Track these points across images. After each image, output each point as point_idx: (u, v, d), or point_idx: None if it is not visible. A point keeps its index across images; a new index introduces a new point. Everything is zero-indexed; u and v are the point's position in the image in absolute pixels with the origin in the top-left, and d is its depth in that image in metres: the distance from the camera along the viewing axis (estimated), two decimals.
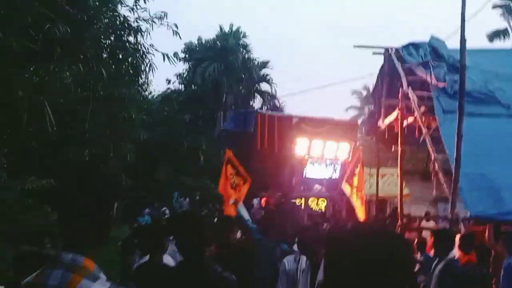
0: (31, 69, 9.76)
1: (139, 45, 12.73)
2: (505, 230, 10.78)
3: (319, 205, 16.84)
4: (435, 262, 8.45)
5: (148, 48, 12.88)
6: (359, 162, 16.08)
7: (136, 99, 15.04)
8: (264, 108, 36.97)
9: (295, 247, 7.70)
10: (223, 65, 36.70)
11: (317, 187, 18.44)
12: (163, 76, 32.74)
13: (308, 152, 18.66)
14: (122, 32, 12.27)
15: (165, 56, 13.14)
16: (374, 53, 17.36)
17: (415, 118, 15.12)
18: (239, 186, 14.92)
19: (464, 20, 11.08)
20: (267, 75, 39.40)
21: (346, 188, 16.05)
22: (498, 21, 34.14)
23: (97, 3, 10.73)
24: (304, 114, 19.52)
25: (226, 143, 18.09)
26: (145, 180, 24.42)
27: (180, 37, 13.52)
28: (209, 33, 40.09)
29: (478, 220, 11.19)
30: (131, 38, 12.77)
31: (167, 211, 22.47)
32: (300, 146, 18.42)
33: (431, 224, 18.27)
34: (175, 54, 35.05)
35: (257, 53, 39.48)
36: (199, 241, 4.11)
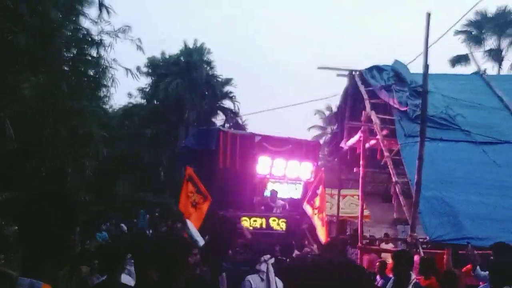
0: None
1: (102, 59, 12.53)
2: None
3: (280, 225, 16.59)
4: (391, 285, 8.41)
5: (110, 62, 12.69)
6: (321, 183, 16.09)
7: (96, 112, 14.78)
8: (227, 125, 36.85)
9: (263, 266, 7.52)
10: (187, 81, 36.53)
11: (279, 203, 18.25)
12: (124, 90, 32.43)
13: (270, 171, 18.44)
14: (85, 46, 12.06)
15: (128, 71, 12.99)
16: (338, 75, 17.50)
17: (377, 140, 15.23)
18: (199, 204, 14.81)
19: (427, 47, 11.25)
20: (230, 92, 39.40)
21: (307, 208, 15.99)
22: (460, 47, 34.94)
23: (60, 16, 10.52)
24: (267, 133, 19.37)
25: (187, 160, 17.82)
26: (104, 195, 23.97)
27: (143, 52, 13.44)
28: (173, 49, 39.87)
29: (437, 244, 11.31)
30: (94, 52, 12.57)
31: (125, 228, 22.10)
32: (262, 165, 18.11)
33: (390, 246, 18.41)
34: (138, 69, 34.84)
35: (221, 70, 39.37)
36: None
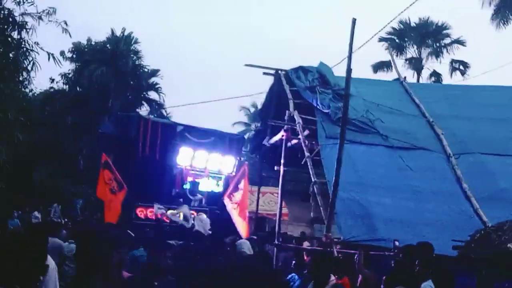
0: None
1: (23, 42, 12.08)
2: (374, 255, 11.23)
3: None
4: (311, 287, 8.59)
5: (32, 46, 12.24)
6: (244, 177, 16.00)
7: (15, 96, 14.22)
8: (151, 116, 36.36)
9: None
10: (112, 70, 35.78)
11: (197, 197, 17.94)
12: (46, 74, 31.31)
13: (191, 162, 18.01)
14: (5, 26, 11.60)
15: (51, 56, 12.59)
16: (264, 74, 17.62)
17: (299, 140, 15.46)
18: (116, 192, 14.57)
19: (351, 52, 11.52)
20: (156, 83, 38.89)
21: (227, 202, 15.87)
22: (383, 54, 36.01)
23: None
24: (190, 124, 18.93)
25: (104, 147, 17.32)
26: (19, 182, 23.13)
27: (70, 35, 13.07)
28: (100, 36, 38.84)
29: (350, 245, 11.62)
30: (15, 34, 12.10)
31: (38, 215, 21.41)
32: (183, 156, 17.75)
33: (306, 244, 18.70)
34: (62, 53, 33.72)
35: (148, 61, 38.73)
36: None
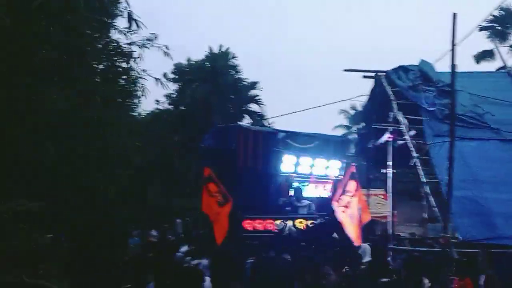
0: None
1: (132, 70, 12.76)
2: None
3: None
4: None
5: (140, 73, 12.90)
6: (352, 179, 15.62)
7: (128, 122, 14.99)
8: (251, 126, 36.88)
9: None
10: (213, 86, 36.81)
11: (304, 202, 17.45)
12: (151, 97, 32.64)
13: (295, 169, 17.16)
14: (115, 58, 12.33)
15: (158, 81, 13.22)
16: (364, 77, 17.54)
17: (405, 141, 15.26)
18: (223, 204, 14.35)
19: (454, 48, 11.27)
20: (256, 95, 39.52)
21: (336, 207, 15.55)
22: (485, 43, 34.52)
23: (91, 30, 10.80)
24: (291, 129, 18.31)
25: (206, 161, 16.80)
26: (137, 202, 24.27)
27: (171, 58, 13.57)
28: (199, 55, 39.96)
29: (470, 245, 11.31)
30: (124, 63, 12.81)
31: (154, 233, 22.25)
32: (287, 163, 16.93)
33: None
34: (165, 75, 35.21)
35: (247, 74, 39.43)
36: None
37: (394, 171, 16.73)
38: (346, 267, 11.63)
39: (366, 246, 13.91)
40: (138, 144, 13.71)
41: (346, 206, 15.00)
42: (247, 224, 15.06)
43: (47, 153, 9.16)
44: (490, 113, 14.69)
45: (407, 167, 16.00)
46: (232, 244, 13.45)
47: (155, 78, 13.47)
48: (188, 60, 38.51)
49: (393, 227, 15.99)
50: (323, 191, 18.18)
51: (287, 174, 17.20)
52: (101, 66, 12.91)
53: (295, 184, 17.40)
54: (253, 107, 39.56)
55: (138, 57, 12.59)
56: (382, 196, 21.67)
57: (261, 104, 39.37)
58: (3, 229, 9.76)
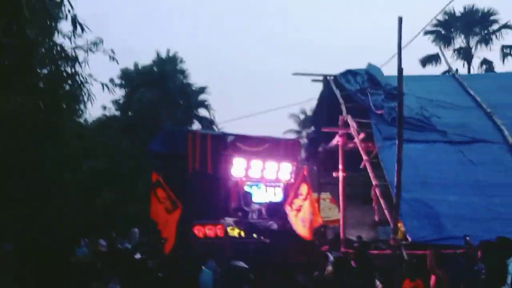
0: None
1: (77, 75, 12.41)
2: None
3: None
4: None
5: (86, 78, 12.56)
6: (305, 182, 15.49)
7: (74, 127, 14.59)
8: (199, 129, 36.60)
9: None
10: (161, 91, 36.35)
11: (254, 207, 17.17)
12: (97, 102, 31.94)
13: (245, 173, 16.92)
14: (60, 62, 11.97)
15: (105, 86, 12.91)
16: (313, 80, 17.62)
17: (355, 144, 15.36)
18: (171, 211, 13.98)
19: (400, 51, 11.38)
20: (205, 100, 39.27)
21: (289, 211, 15.40)
22: (430, 47, 35.29)
23: (34, 33, 10.44)
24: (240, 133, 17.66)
25: (154, 165, 16.60)
26: (86, 209, 23.67)
27: (117, 63, 13.28)
28: (146, 59, 39.38)
29: (419, 246, 11.43)
30: (68, 68, 12.45)
31: (103, 243, 21.71)
32: (237, 167, 16.68)
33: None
34: (111, 81, 34.51)
35: (195, 78, 39.17)
36: None
37: (345, 174, 16.81)
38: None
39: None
40: (87, 147, 13.37)
41: (298, 210, 14.93)
42: (197, 231, 14.80)
43: None
44: (436, 115, 14.95)
45: (358, 171, 16.10)
46: (181, 252, 13.17)
47: (102, 84, 13.16)
48: (136, 65, 37.93)
49: (344, 231, 16.06)
50: (274, 195, 18.03)
51: (238, 178, 16.97)
52: (45, 71, 12.55)
53: (246, 188, 17.20)
54: (202, 112, 39.32)
55: (83, 62, 12.29)
56: (329, 200, 21.82)
57: (210, 109, 39.17)
58: None
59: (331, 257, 13.16)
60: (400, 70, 11.55)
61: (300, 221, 14.92)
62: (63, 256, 15.20)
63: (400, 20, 11.52)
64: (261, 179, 17.40)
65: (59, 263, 14.04)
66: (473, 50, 34.97)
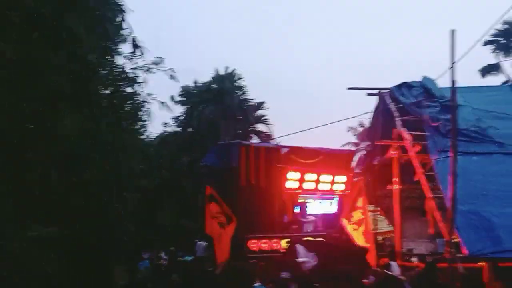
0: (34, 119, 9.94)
1: (137, 95, 13.03)
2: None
3: None
4: None
5: (145, 97, 13.18)
6: (362, 194, 15.32)
7: (135, 144, 15.17)
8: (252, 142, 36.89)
9: None
10: (220, 107, 37.09)
11: (309, 218, 16.98)
12: (159, 119, 32.91)
13: (300, 186, 16.79)
14: (121, 83, 12.60)
15: (163, 104, 13.49)
16: (368, 94, 17.66)
17: (410, 157, 15.32)
18: (225, 225, 13.99)
19: (454, 64, 11.36)
20: (263, 116, 39.74)
21: (346, 224, 15.23)
22: (490, 57, 34.50)
23: (96, 57, 11.05)
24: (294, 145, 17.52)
25: (208, 180, 16.80)
26: (147, 224, 24.36)
27: (178, 81, 13.84)
28: (205, 75, 40.27)
29: (476, 259, 11.31)
30: (129, 88, 13.09)
31: (164, 256, 22.24)
32: (291, 179, 16.54)
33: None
34: (172, 98, 35.68)
35: (253, 94, 39.65)
36: None
37: (401, 187, 16.76)
38: None
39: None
40: (142, 167, 13.89)
41: (357, 224, 14.88)
42: (252, 245, 14.78)
43: (51, 181, 9.34)
44: (494, 127, 14.74)
45: (414, 183, 16.02)
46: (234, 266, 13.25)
47: (161, 102, 13.76)
48: (195, 82, 38.85)
49: (401, 243, 15.97)
50: (329, 207, 17.84)
51: (292, 191, 16.83)
52: (107, 92, 13.20)
53: (300, 201, 17.08)
54: (260, 127, 39.73)
55: (143, 82, 12.90)
56: (378, 213, 21.66)
57: (268, 124, 39.56)
58: (20, 254, 9.91)
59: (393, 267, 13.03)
60: (453, 82, 11.52)
61: (361, 234, 14.86)
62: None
63: (453, 32, 11.50)
64: (316, 191, 17.28)
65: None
66: None
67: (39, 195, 9.85)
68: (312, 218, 16.71)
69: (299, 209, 16.80)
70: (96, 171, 11.21)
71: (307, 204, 17.09)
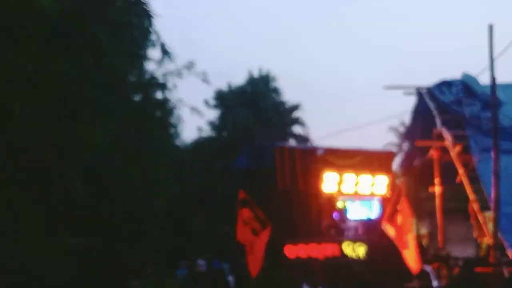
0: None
1: (167, 101, 12.83)
2: None
3: (356, 251, 15.03)
4: None
5: (176, 103, 12.98)
6: (402, 197, 14.72)
7: (166, 151, 14.96)
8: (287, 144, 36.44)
9: None
10: (254, 110, 36.83)
11: (350, 224, 16.36)
12: (193, 123, 32.82)
13: (338, 188, 16.09)
14: (150, 89, 12.43)
15: (194, 110, 13.29)
16: (405, 93, 17.14)
17: (451, 157, 14.82)
18: (259, 232, 13.46)
19: (493, 60, 10.90)
20: (298, 118, 39.34)
21: (388, 228, 14.57)
22: None
23: (123, 64, 10.87)
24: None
25: (241, 183, 16.11)
26: (179, 231, 24.25)
27: (210, 85, 13.67)
28: (239, 78, 40.03)
29: None
30: (159, 94, 12.90)
31: (202, 263, 22.12)
32: (329, 182, 15.87)
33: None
34: (206, 102, 35.65)
35: (289, 95, 39.19)
36: None
37: (443, 188, 16.24)
38: None
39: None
40: (173, 174, 13.68)
41: (401, 228, 14.20)
42: (288, 251, 14.33)
43: (77, 191, 9.20)
44: None
45: (456, 184, 15.46)
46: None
47: (191, 108, 13.54)
48: (229, 85, 38.73)
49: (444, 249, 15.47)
50: (369, 211, 17.21)
51: (330, 194, 16.26)
52: (137, 98, 13.03)
53: (339, 204, 16.45)
54: (296, 129, 39.36)
55: (172, 87, 12.69)
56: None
57: (304, 126, 39.17)
58: (49, 264, 9.84)
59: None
60: (493, 79, 11.05)
61: (406, 241, 14.14)
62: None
63: (491, 28, 11.04)
64: (355, 194, 16.53)
65: None
66: None
67: (67, 204, 9.74)
68: (353, 223, 16.08)
69: (338, 214, 16.16)
70: (123, 179, 11.04)
71: (347, 208, 16.39)
